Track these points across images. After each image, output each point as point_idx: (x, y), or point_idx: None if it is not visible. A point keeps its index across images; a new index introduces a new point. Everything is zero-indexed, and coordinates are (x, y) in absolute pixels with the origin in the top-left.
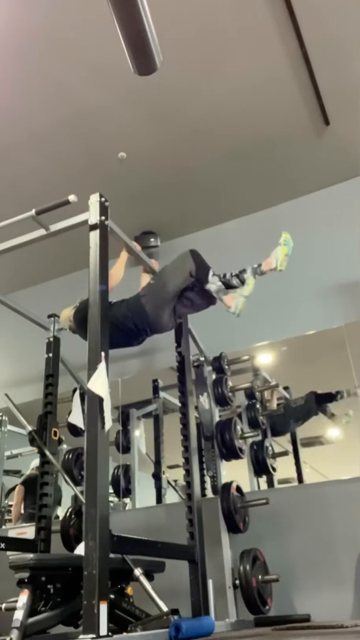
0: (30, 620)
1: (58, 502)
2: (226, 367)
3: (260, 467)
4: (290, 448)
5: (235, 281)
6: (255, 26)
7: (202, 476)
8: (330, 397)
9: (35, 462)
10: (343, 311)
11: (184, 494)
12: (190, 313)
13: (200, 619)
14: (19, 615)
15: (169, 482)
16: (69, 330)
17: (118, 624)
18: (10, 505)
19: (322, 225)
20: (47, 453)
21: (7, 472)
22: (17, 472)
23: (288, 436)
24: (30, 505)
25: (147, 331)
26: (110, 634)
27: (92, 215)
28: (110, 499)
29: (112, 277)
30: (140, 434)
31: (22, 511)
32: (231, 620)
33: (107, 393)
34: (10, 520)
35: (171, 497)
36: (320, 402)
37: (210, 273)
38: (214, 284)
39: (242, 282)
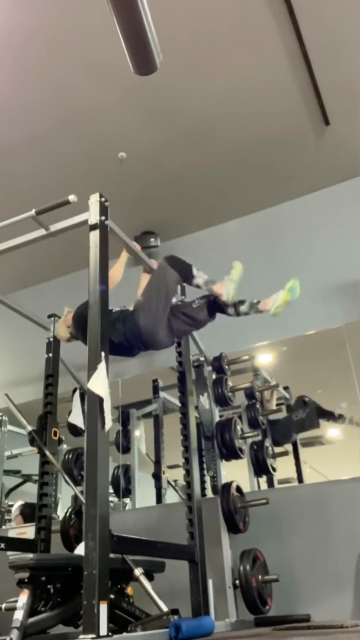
0: (30, 620)
1: None
2: (226, 367)
3: (260, 467)
4: (290, 448)
5: (231, 310)
6: (255, 26)
7: (202, 476)
8: (332, 416)
9: (18, 503)
10: (343, 311)
11: (184, 494)
12: (192, 331)
13: (200, 619)
14: (19, 615)
15: (169, 482)
16: (68, 339)
17: (118, 624)
18: (10, 506)
19: (322, 225)
20: (47, 453)
21: (7, 472)
22: (17, 472)
23: None
24: None
25: (140, 347)
26: (110, 634)
27: (92, 215)
28: (110, 499)
29: (111, 277)
30: (140, 434)
31: None
32: (231, 620)
33: (107, 393)
34: (10, 521)
35: (171, 497)
36: (322, 416)
37: (194, 270)
38: (200, 277)
39: (238, 314)
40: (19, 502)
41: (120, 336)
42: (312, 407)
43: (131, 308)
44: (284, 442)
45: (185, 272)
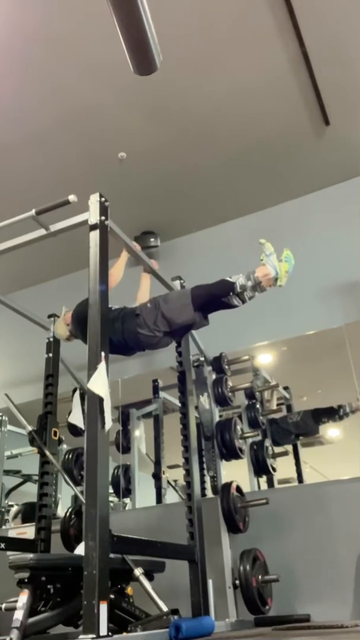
0: (30, 620)
1: None
2: (226, 367)
3: (260, 467)
4: (290, 448)
5: (236, 301)
6: (256, 26)
7: (202, 476)
8: (331, 412)
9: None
10: (343, 311)
11: (184, 494)
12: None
13: (200, 619)
14: (19, 615)
15: (169, 482)
16: (68, 338)
17: (118, 624)
18: (11, 506)
19: (322, 225)
20: (47, 453)
21: (7, 472)
22: (17, 472)
23: None
24: None
25: (136, 348)
26: (110, 634)
27: (92, 215)
28: (110, 499)
29: (112, 276)
30: (140, 434)
31: None
32: (231, 620)
33: (107, 393)
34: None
35: (171, 497)
36: (318, 418)
37: (230, 294)
38: (239, 283)
39: (243, 301)
40: (15, 508)
41: (118, 335)
42: (307, 412)
43: (136, 304)
44: (283, 443)
45: (220, 303)
